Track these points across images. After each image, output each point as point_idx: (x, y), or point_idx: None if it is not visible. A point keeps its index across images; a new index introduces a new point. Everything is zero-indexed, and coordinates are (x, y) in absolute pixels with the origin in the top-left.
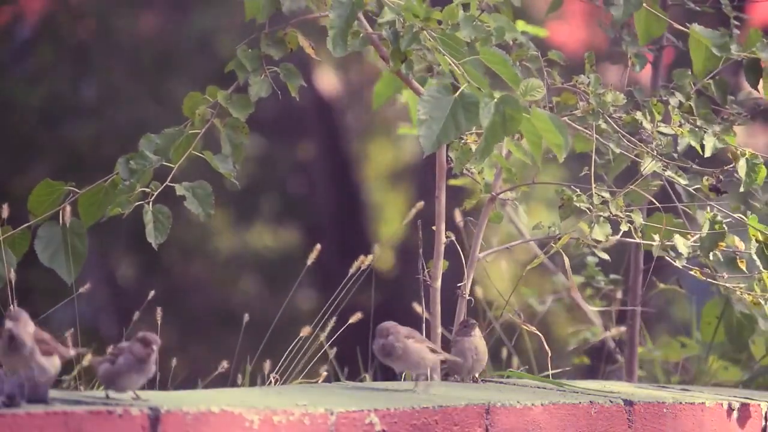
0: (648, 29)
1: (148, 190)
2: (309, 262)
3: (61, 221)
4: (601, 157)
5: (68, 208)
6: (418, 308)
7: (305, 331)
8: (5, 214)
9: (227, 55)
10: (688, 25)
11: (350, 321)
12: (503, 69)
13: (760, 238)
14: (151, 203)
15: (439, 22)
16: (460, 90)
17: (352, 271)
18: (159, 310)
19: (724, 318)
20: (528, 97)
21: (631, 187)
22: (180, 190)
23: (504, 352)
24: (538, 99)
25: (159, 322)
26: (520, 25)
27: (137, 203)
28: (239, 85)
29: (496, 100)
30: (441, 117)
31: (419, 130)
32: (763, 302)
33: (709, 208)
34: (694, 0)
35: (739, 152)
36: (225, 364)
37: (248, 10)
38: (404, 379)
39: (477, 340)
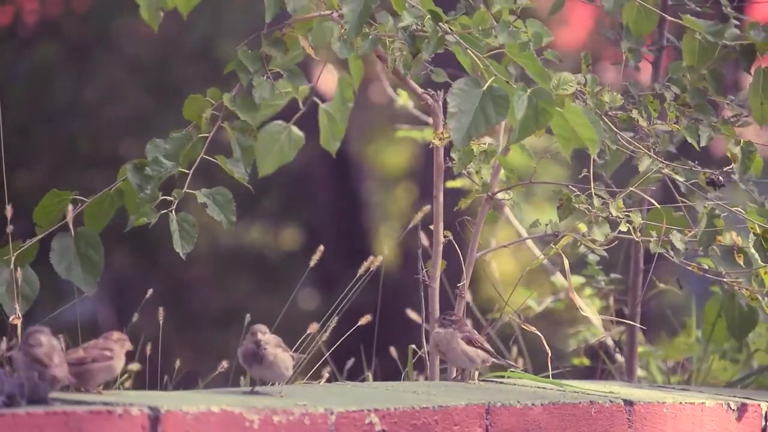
0: (637, 25)
1: (170, 198)
2: (312, 263)
3: (71, 230)
4: (601, 157)
5: (70, 213)
6: (414, 315)
7: (312, 327)
8: (9, 215)
9: (227, 54)
10: (681, 14)
11: (360, 323)
12: (530, 64)
13: (758, 230)
14: (174, 211)
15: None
16: (488, 83)
17: (360, 272)
18: (161, 310)
19: (726, 311)
20: (560, 90)
21: (631, 188)
22: (200, 197)
23: (510, 353)
24: (570, 93)
25: (161, 322)
26: (518, 25)
27: (162, 212)
28: (242, 86)
29: (528, 93)
30: (470, 110)
31: (449, 123)
32: (761, 298)
33: (707, 202)
34: (695, 0)
35: (733, 141)
36: (225, 364)
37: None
38: (404, 379)
39: (441, 335)
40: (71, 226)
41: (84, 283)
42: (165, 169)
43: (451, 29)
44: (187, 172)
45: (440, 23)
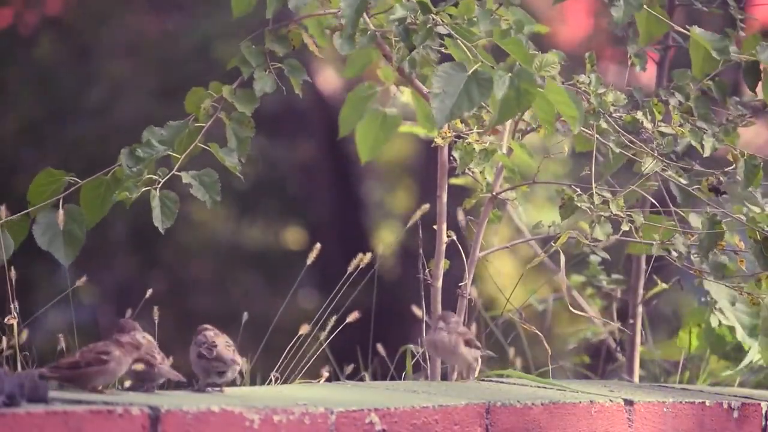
0: (649, 29)
1: (155, 177)
2: (309, 261)
3: (60, 214)
4: (604, 157)
5: (61, 212)
6: (417, 311)
7: (304, 328)
8: (3, 215)
9: (229, 53)
10: (688, 27)
11: (348, 320)
12: (516, 49)
13: (759, 238)
14: (158, 189)
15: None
16: (474, 68)
17: (350, 269)
18: (155, 309)
19: (706, 325)
20: (543, 72)
21: (632, 186)
22: (186, 178)
23: (510, 352)
24: (553, 74)
25: (156, 322)
26: (501, 13)
27: (144, 188)
28: (243, 80)
29: (510, 74)
30: (454, 92)
31: (432, 103)
32: (762, 302)
33: (708, 208)
34: (701, 1)
35: (738, 153)
36: None
37: (236, 8)
38: (404, 379)
39: (435, 335)
40: (61, 208)
41: (63, 255)
42: (156, 152)
43: (442, 21)
44: (179, 156)
45: (430, 14)
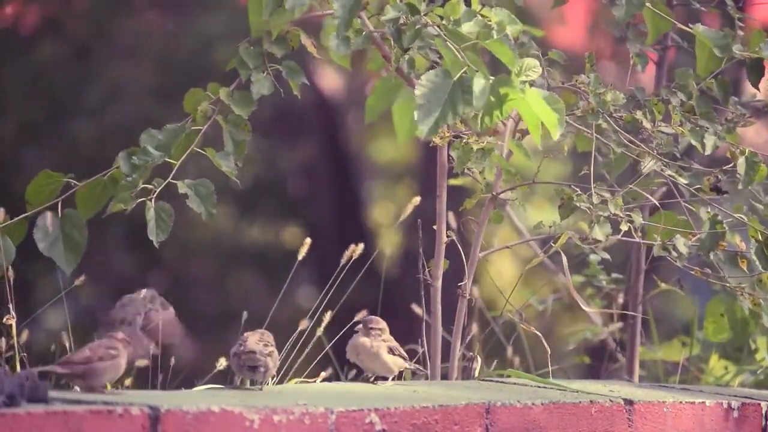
0: (656, 26)
1: (150, 186)
2: (300, 257)
3: (59, 213)
4: (604, 157)
5: (49, 214)
6: (418, 310)
7: (303, 323)
8: (1, 217)
9: (228, 53)
10: (691, 25)
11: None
12: (501, 51)
13: (760, 238)
14: (153, 200)
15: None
16: (459, 74)
17: (343, 261)
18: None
19: (729, 313)
20: (523, 76)
21: (631, 186)
22: (182, 188)
23: (510, 352)
24: (534, 78)
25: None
26: (485, 13)
27: (140, 200)
28: (241, 82)
29: (491, 80)
30: (440, 100)
31: (417, 115)
32: (763, 303)
33: (709, 208)
34: (699, 0)
35: (738, 151)
36: (224, 362)
37: (253, 25)
38: (404, 379)
39: (358, 340)
40: (59, 209)
41: (65, 261)
42: (152, 159)
43: (432, 22)
44: (175, 162)
45: (419, 15)
